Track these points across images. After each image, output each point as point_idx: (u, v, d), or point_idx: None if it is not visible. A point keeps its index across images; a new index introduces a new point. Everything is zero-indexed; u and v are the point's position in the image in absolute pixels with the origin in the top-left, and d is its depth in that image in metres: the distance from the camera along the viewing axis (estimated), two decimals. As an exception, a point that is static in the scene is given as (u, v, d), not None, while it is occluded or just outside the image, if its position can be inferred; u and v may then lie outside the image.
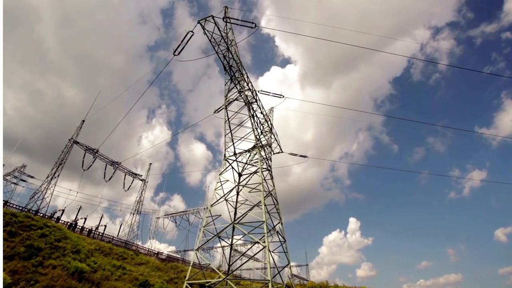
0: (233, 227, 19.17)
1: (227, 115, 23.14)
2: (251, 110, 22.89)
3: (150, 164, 56.54)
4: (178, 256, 49.47)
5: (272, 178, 22.10)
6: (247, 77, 24.15)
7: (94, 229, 34.38)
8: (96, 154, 43.27)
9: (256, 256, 45.65)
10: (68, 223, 31.68)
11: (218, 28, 22.10)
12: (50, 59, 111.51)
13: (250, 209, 18.67)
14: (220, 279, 16.13)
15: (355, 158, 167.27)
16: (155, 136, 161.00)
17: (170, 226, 57.11)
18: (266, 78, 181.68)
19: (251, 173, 21.77)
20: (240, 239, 21.64)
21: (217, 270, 20.68)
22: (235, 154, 23.06)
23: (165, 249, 62.91)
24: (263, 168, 21.12)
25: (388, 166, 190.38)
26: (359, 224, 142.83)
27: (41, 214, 30.69)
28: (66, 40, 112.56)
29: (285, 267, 18.59)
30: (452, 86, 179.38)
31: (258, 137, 22.93)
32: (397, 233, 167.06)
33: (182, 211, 58.48)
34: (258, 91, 27.07)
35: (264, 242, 16.11)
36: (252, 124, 22.46)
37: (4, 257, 14.54)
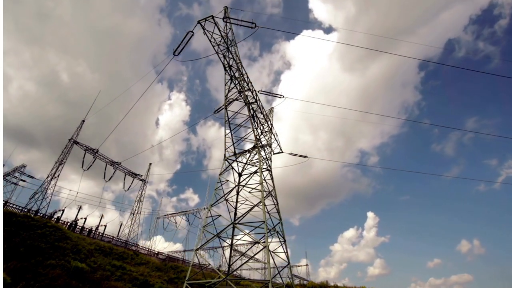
0: (233, 227, 19.16)
1: (227, 115, 23.14)
2: (251, 110, 22.89)
3: (150, 164, 56.55)
4: (179, 256, 49.50)
5: (272, 178, 22.08)
6: (247, 77, 24.16)
7: (94, 229, 34.40)
8: (96, 154, 43.30)
9: (256, 256, 45.67)
10: (68, 223, 31.68)
11: (218, 28, 22.14)
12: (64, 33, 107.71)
13: (250, 209, 18.66)
14: (220, 279, 16.12)
15: (391, 144, 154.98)
16: (173, 116, 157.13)
17: (171, 225, 56.92)
18: (297, 43, 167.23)
19: (251, 173, 21.76)
20: (240, 239, 21.63)
21: (217, 270, 20.68)
22: (235, 154, 23.05)
23: (171, 247, 62.70)
24: (263, 168, 21.10)
25: (425, 151, 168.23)
26: (378, 220, 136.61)
27: (41, 214, 30.69)
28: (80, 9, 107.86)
29: (285, 267, 18.57)
30: (509, 56, 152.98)
31: (258, 137, 22.93)
32: (416, 230, 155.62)
33: (182, 211, 58.47)
34: (258, 91, 27.08)
35: (264, 242, 16.10)
36: (252, 124, 22.46)
37: (4, 257, 14.53)
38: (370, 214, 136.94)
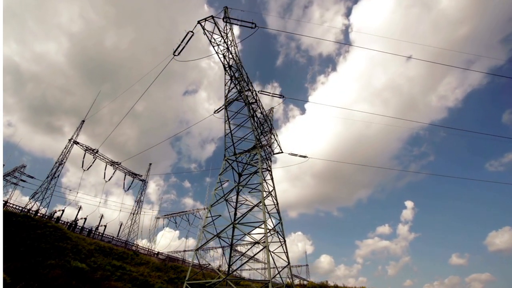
0: (233, 227, 19.16)
1: (227, 116, 23.15)
2: (251, 111, 22.90)
3: (150, 164, 56.52)
4: (179, 256, 49.47)
5: (272, 179, 22.09)
6: (247, 77, 24.16)
7: (94, 229, 34.42)
8: (96, 154, 43.31)
9: (256, 256, 45.62)
10: (68, 223, 31.68)
11: (218, 29, 22.15)
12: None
13: (250, 209, 18.67)
14: (220, 279, 16.12)
15: (454, 113, 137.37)
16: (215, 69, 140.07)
17: (171, 225, 56.86)
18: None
19: (251, 173, 21.77)
20: (240, 239, 21.64)
21: (217, 271, 20.68)
22: (235, 154, 23.05)
23: (184, 243, 62.37)
24: (263, 168, 21.11)
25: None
26: (416, 211, 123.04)
27: (41, 214, 30.67)
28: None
29: (285, 267, 18.58)
30: None
31: (258, 137, 22.93)
32: (455, 225, 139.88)
33: (182, 211, 58.41)
34: (258, 92, 27.09)
35: (264, 242, 16.10)
36: (252, 124, 22.46)
37: (4, 257, 14.53)
38: (408, 204, 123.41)
